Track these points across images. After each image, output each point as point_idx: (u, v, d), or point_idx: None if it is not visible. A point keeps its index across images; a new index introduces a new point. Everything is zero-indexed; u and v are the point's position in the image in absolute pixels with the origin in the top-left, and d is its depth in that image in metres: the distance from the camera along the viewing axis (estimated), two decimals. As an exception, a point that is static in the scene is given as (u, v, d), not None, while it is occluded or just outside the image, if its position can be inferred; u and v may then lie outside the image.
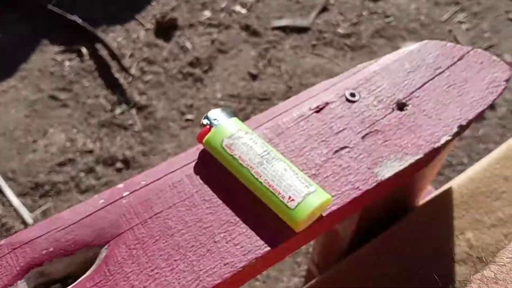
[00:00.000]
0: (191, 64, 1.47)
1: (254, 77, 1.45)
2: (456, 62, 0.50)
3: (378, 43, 1.53)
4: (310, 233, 0.40)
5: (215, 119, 0.41)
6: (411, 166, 0.43)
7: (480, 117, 0.47)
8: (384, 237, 0.56)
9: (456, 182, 0.57)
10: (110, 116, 1.37)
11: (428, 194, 0.65)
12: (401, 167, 0.42)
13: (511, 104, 1.38)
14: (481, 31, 1.56)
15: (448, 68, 0.49)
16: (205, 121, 0.41)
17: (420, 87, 0.48)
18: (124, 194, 0.39)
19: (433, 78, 0.48)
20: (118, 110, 1.38)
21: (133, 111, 1.38)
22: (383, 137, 0.44)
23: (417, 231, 0.55)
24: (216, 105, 1.39)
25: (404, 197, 0.58)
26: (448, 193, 0.57)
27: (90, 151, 1.31)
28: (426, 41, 0.52)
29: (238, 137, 0.40)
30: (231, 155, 0.39)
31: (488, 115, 1.36)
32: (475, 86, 0.48)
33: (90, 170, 1.28)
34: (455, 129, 0.45)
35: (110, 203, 0.39)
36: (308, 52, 1.51)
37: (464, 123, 0.45)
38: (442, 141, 0.44)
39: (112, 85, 1.43)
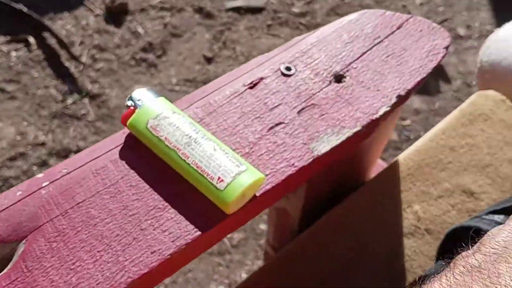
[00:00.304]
0: (144, 50, 1.43)
1: (209, 60, 1.42)
2: (395, 31, 0.49)
3: (333, 21, 1.51)
4: (244, 214, 0.38)
5: (139, 100, 0.39)
6: (350, 139, 0.41)
7: (419, 86, 0.46)
8: (333, 213, 0.55)
9: (403, 155, 0.57)
10: (61, 106, 1.32)
11: (379, 168, 0.64)
12: (339, 141, 0.41)
13: (466, 77, 1.39)
14: (435, 5, 1.56)
15: (387, 37, 0.48)
16: (129, 102, 0.39)
17: (358, 58, 0.46)
18: (44, 184, 0.37)
19: (371, 48, 0.47)
20: (69, 100, 1.33)
21: (86, 100, 1.34)
22: (320, 111, 0.42)
23: (366, 206, 0.54)
24: (172, 91, 1.35)
25: (352, 172, 0.57)
26: (394, 166, 0.56)
27: (42, 144, 1.26)
28: (365, 10, 0.51)
29: (165, 117, 0.37)
30: (157, 137, 0.37)
31: (443, 88, 1.37)
32: (414, 54, 0.47)
33: (43, 163, 1.23)
34: (394, 100, 0.44)
35: (29, 195, 0.36)
36: (264, 33, 1.49)
37: (403, 93, 0.44)
38: (381, 112, 0.43)
39: (63, 74, 1.38)
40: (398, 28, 0.49)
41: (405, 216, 0.53)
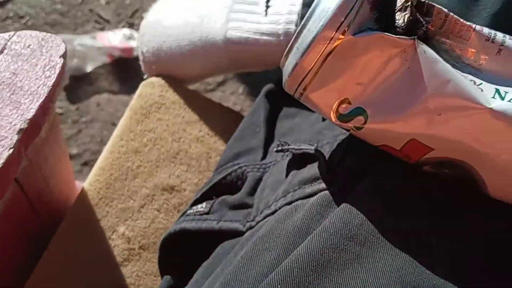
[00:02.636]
0: None
1: None
2: (-1, 56, 0.41)
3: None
4: None
5: None
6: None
7: (49, 107, 0.39)
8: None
9: (88, 181, 0.50)
10: None
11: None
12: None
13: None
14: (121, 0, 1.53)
15: (-9, 66, 0.40)
16: None
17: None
18: None
19: (-27, 87, 0.38)
20: None
21: None
22: None
23: (71, 245, 0.46)
24: None
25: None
26: (82, 198, 0.49)
27: None
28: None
29: None
30: None
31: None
32: (28, 76, 0.40)
33: None
34: (15, 138, 0.36)
35: None
36: None
37: (25, 125, 0.37)
38: (4, 158, 0.35)
39: None
40: (2, 51, 0.41)
41: (114, 244, 0.47)
